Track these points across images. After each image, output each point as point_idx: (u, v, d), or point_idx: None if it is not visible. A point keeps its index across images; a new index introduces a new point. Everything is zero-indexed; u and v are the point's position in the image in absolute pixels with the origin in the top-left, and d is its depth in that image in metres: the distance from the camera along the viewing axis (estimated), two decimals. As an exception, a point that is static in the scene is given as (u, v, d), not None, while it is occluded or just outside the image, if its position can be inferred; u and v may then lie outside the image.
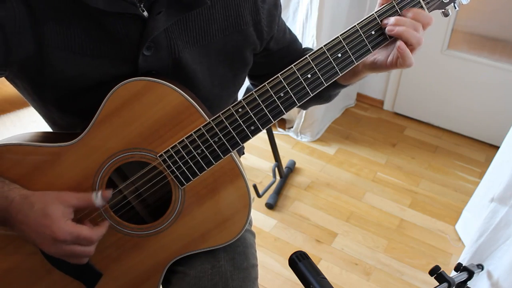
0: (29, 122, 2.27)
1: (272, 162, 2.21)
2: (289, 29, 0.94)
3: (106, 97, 0.72)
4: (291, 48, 0.93)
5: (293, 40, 0.94)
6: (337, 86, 0.88)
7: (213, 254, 0.88)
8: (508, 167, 1.35)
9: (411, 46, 0.72)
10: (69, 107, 0.78)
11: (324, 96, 0.92)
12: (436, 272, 1.03)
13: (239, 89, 0.92)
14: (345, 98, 2.75)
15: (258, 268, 0.95)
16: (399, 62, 0.73)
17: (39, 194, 0.72)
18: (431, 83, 2.53)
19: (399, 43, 0.71)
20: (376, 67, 0.79)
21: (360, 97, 2.85)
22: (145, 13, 0.71)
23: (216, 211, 0.81)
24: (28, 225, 0.69)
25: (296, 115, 2.49)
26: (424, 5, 0.72)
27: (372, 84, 2.78)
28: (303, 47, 0.98)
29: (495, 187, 1.34)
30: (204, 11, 0.77)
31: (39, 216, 0.69)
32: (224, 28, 0.79)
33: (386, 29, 0.72)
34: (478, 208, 1.83)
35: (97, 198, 0.73)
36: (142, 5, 0.71)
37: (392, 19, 0.71)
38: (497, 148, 1.84)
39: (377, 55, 0.77)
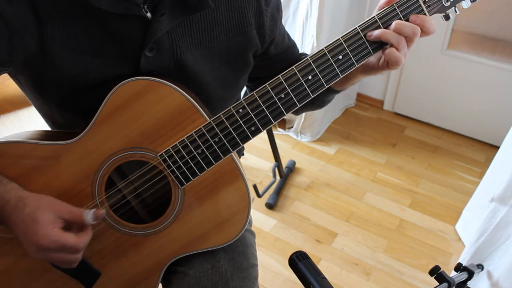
0: (29, 122, 2.28)
1: (272, 162, 2.21)
2: (288, 34, 0.94)
3: (108, 96, 0.72)
4: (288, 53, 0.93)
5: (292, 45, 0.95)
6: (330, 91, 0.87)
7: (213, 254, 0.88)
8: (508, 167, 1.35)
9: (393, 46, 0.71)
10: (70, 105, 0.78)
11: (317, 102, 0.92)
12: (436, 272, 1.03)
13: (241, 90, 0.92)
14: (345, 98, 2.75)
15: (258, 268, 0.95)
16: (389, 64, 0.73)
17: (34, 197, 0.71)
18: (431, 83, 2.53)
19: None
20: (367, 69, 0.79)
21: (360, 97, 2.85)
22: (149, 15, 0.71)
23: (216, 212, 0.81)
24: (18, 227, 0.68)
25: (296, 115, 2.49)
26: (425, 8, 0.72)
27: (372, 84, 2.78)
28: (302, 48, 0.98)
29: (495, 187, 1.34)
30: (208, 13, 0.77)
31: (28, 220, 0.68)
32: (227, 30, 0.79)
33: (367, 34, 0.71)
34: (478, 208, 1.83)
35: (88, 215, 0.71)
36: (146, 6, 0.71)
37: (393, 24, 0.71)
38: (497, 148, 1.84)
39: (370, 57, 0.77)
